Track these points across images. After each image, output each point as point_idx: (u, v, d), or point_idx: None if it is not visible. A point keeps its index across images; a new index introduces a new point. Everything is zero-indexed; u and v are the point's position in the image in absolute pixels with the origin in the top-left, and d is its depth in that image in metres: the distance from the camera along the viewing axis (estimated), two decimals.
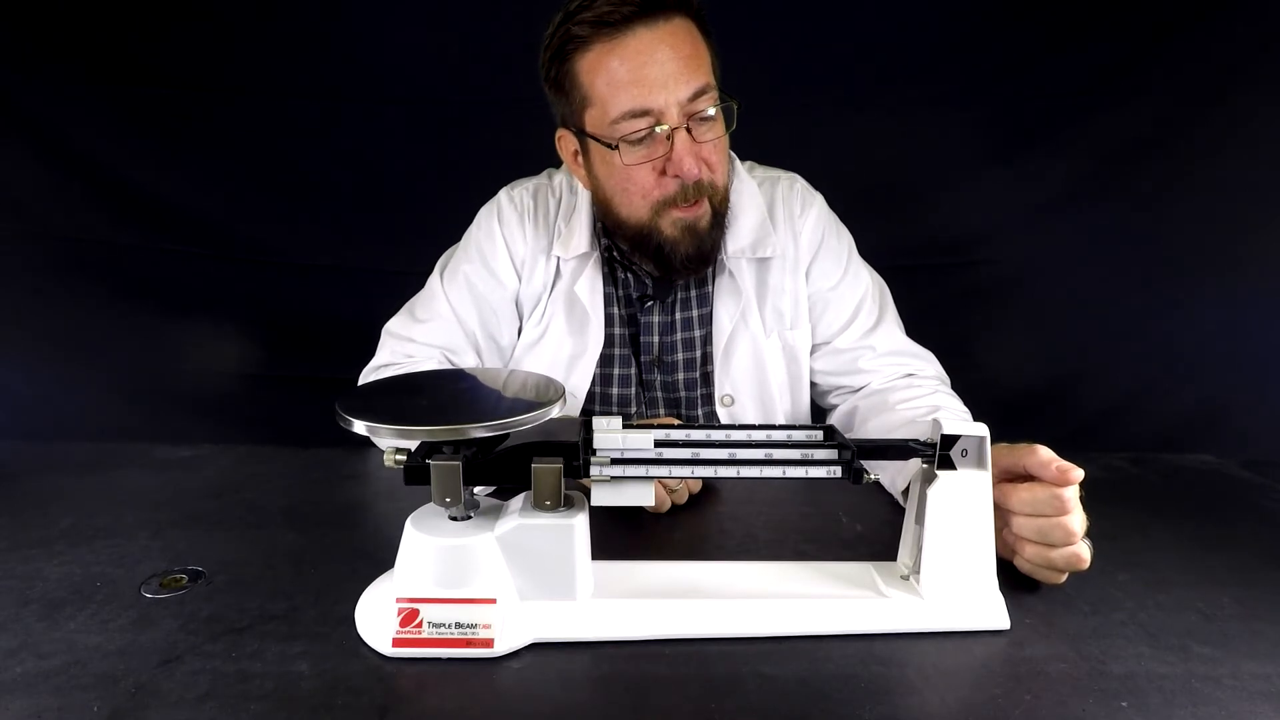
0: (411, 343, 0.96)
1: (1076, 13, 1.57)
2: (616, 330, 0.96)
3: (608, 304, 0.95)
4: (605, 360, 0.96)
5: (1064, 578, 0.58)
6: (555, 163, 1.00)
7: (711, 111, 0.82)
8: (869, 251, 1.04)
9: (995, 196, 1.66)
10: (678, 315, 0.95)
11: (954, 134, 1.63)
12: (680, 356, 0.96)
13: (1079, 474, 0.56)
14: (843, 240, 1.00)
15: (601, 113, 0.82)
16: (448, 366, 0.95)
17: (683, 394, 0.97)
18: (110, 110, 1.57)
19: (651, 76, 0.78)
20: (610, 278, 0.95)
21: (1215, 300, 1.66)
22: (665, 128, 0.80)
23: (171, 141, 1.60)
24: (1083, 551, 0.56)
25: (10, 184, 1.58)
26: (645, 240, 0.87)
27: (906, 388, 0.89)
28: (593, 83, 0.81)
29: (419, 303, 1.00)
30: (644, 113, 0.80)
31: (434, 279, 1.00)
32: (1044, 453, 0.57)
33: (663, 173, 0.83)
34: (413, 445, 0.51)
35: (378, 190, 1.66)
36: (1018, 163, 1.65)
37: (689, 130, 0.81)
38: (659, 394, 0.98)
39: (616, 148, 0.82)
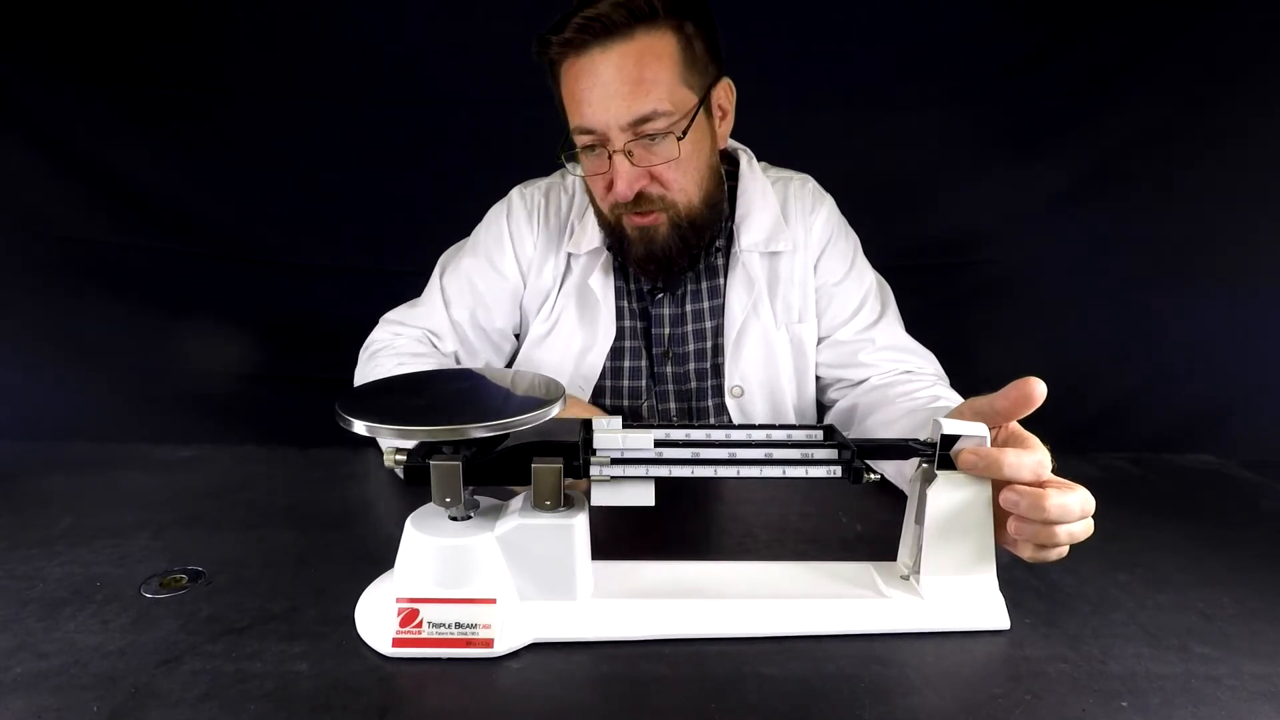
0: (400, 325, 0.99)
1: (1076, 13, 1.57)
2: (627, 323, 0.97)
3: (619, 297, 0.96)
4: (616, 353, 0.97)
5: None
6: (555, 164, 1.00)
7: (659, 134, 0.81)
8: (871, 252, 1.04)
9: (996, 196, 1.66)
10: (688, 307, 0.97)
11: (954, 134, 1.63)
12: (691, 347, 0.97)
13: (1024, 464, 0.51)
14: (850, 240, 1.02)
15: (569, 122, 0.85)
16: (431, 350, 0.97)
17: (693, 385, 0.98)
18: (110, 110, 1.57)
19: (594, 99, 0.79)
20: (621, 271, 0.97)
21: (1215, 300, 1.66)
22: (607, 148, 0.82)
23: (171, 141, 1.60)
24: (1076, 531, 0.53)
25: (10, 184, 1.58)
26: (615, 237, 0.90)
27: (906, 382, 0.89)
28: (562, 94, 0.84)
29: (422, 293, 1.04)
30: (589, 131, 0.82)
31: (436, 269, 1.03)
32: (1009, 466, 0.51)
33: (610, 185, 0.85)
34: (413, 445, 0.51)
35: (378, 190, 1.66)
36: (1018, 163, 1.65)
37: (629, 153, 0.81)
38: (669, 385, 0.99)
39: (577, 158, 0.86)
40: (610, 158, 0.82)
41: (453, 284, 0.99)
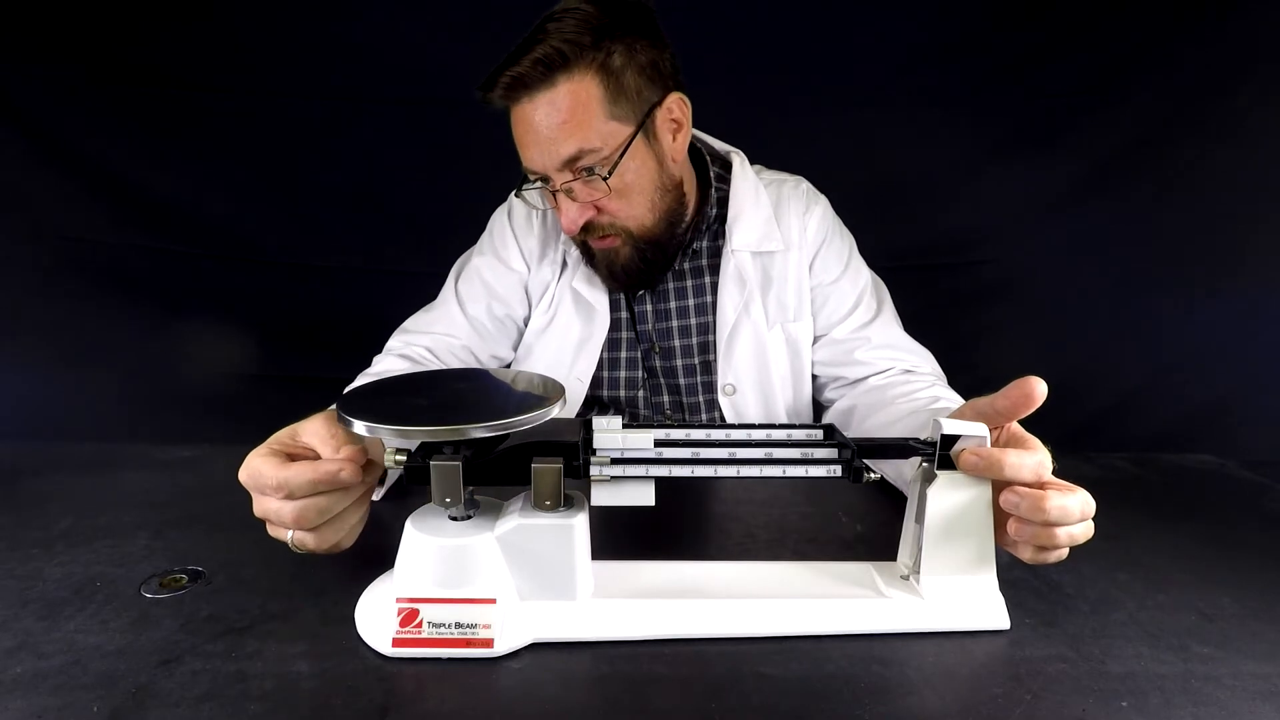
0: (416, 333, 0.99)
1: (1076, 14, 1.58)
2: (622, 315, 0.99)
3: (611, 291, 0.98)
4: (612, 344, 1.00)
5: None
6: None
7: (593, 170, 0.83)
8: (869, 252, 1.04)
9: (995, 196, 1.66)
10: (672, 304, 0.98)
11: (954, 134, 1.64)
12: (678, 343, 0.99)
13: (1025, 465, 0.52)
14: (845, 240, 1.03)
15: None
16: (448, 351, 0.98)
17: (682, 380, 1.00)
18: (110, 110, 1.58)
19: (529, 144, 0.83)
20: None
21: (1215, 300, 1.67)
22: (549, 187, 0.85)
23: (171, 141, 1.61)
24: (1076, 533, 0.53)
25: (10, 184, 1.58)
26: (584, 254, 0.94)
27: (905, 383, 0.90)
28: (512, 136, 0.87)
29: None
30: (533, 172, 0.85)
31: (450, 275, 1.05)
32: (1010, 467, 0.51)
33: None
34: (413, 445, 0.51)
35: (378, 190, 1.66)
36: (1018, 163, 1.65)
37: (570, 191, 0.84)
38: (661, 380, 1.01)
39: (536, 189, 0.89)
40: (555, 196, 0.85)
41: (466, 285, 1.02)
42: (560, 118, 0.80)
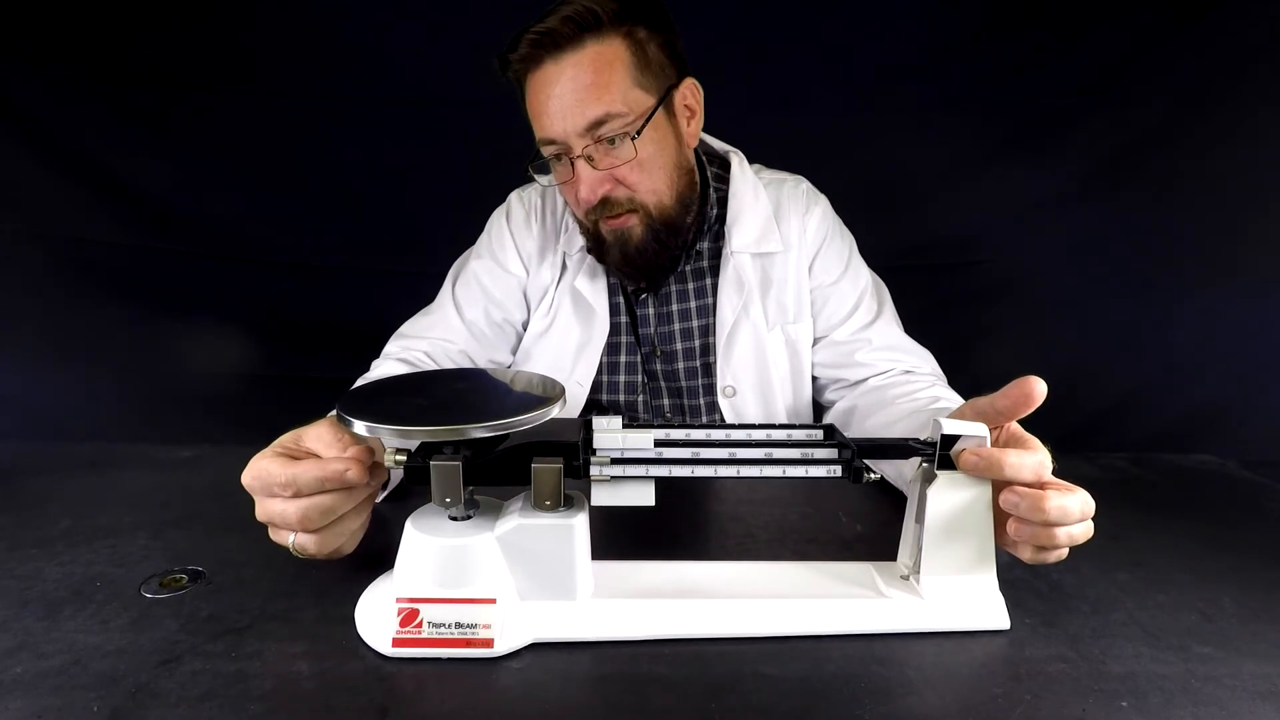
0: (414, 338, 0.99)
1: (1076, 13, 1.58)
2: (622, 319, 0.99)
3: (612, 294, 0.98)
4: (611, 349, 0.99)
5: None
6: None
7: (617, 136, 0.82)
8: (869, 252, 1.04)
9: (995, 196, 1.66)
10: (674, 306, 0.98)
11: (954, 134, 1.64)
12: (679, 346, 0.99)
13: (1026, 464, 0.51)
14: (845, 240, 1.02)
15: (536, 136, 0.87)
16: (445, 356, 0.97)
17: (684, 383, 1.00)
18: (110, 110, 1.58)
19: (551, 109, 0.81)
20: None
21: (1215, 300, 1.67)
22: (569, 156, 0.84)
23: (171, 141, 1.61)
24: (1076, 533, 0.53)
25: (10, 184, 1.58)
26: (595, 242, 0.91)
27: (905, 383, 0.90)
28: (526, 109, 0.86)
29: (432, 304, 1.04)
30: (550, 142, 0.84)
31: (448, 278, 1.04)
32: (1010, 467, 0.51)
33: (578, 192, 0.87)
34: (413, 445, 0.51)
35: (378, 190, 1.66)
36: (1017, 163, 1.65)
37: (591, 158, 0.83)
38: (661, 383, 1.01)
39: (547, 169, 0.88)
40: (573, 165, 0.84)
41: (463, 289, 1.01)
42: (588, 79, 0.80)
